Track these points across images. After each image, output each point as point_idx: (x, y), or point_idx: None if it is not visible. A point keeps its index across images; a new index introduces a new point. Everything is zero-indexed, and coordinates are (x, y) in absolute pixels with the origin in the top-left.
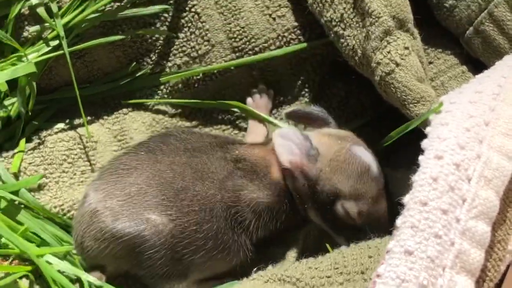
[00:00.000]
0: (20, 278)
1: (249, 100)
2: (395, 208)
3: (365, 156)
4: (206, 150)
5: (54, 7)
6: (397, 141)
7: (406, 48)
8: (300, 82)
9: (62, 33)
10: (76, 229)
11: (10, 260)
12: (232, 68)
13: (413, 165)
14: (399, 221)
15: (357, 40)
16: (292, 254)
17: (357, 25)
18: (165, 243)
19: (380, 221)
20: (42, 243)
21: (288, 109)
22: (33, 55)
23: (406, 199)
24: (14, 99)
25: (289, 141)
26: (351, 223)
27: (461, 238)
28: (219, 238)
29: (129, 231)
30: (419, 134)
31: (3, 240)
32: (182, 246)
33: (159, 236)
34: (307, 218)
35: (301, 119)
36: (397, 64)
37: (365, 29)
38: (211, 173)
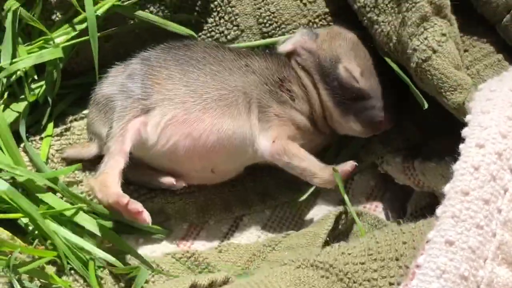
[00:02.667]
0: (47, 264)
1: None
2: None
3: (354, 34)
4: None
5: None
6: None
7: (443, 34)
8: None
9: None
10: None
11: (34, 245)
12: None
13: (446, 156)
14: (439, 211)
15: (392, 26)
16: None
17: (392, 10)
18: None
19: (380, 89)
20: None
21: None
22: (61, 39)
23: (446, 188)
24: (39, 83)
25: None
26: (355, 88)
27: (502, 229)
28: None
29: None
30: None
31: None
32: None
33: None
34: (317, 100)
35: None
36: (434, 51)
37: (401, 15)
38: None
